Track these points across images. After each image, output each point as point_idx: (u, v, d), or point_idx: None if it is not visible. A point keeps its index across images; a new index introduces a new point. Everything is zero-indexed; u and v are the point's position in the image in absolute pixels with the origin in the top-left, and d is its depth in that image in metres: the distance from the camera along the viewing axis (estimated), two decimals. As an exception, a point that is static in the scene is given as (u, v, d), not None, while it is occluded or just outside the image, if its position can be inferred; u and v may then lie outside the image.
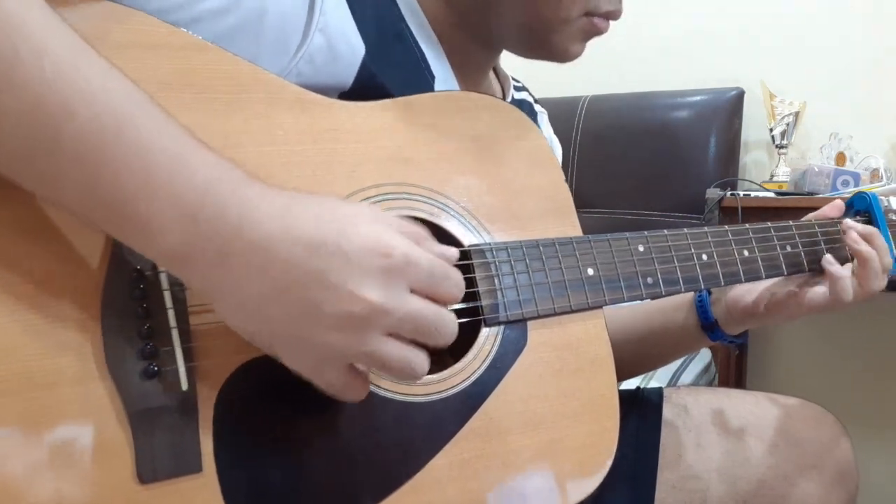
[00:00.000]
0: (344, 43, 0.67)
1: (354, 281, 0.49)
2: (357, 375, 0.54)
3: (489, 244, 0.67)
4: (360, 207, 0.55)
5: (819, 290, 0.82)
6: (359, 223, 0.51)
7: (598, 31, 0.78)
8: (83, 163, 0.47)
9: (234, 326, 0.52)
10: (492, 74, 0.90)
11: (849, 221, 0.85)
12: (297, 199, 0.51)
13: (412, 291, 0.52)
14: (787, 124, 1.96)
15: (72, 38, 0.48)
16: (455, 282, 0.54)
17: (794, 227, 0.84)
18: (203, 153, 0.50)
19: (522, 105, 0.95)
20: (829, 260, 0.82)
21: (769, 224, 0.83)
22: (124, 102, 0.48)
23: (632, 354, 0.88)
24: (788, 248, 0.83)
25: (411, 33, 0.76)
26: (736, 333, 0.89)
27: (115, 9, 0.55)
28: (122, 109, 0.48)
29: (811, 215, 0.89)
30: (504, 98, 0.91)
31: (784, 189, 1.86)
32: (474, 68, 0.84)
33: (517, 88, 0.96)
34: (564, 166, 1.99)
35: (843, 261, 0.83)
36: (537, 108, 0.99)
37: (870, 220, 0.88)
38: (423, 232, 0.55)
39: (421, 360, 0.53)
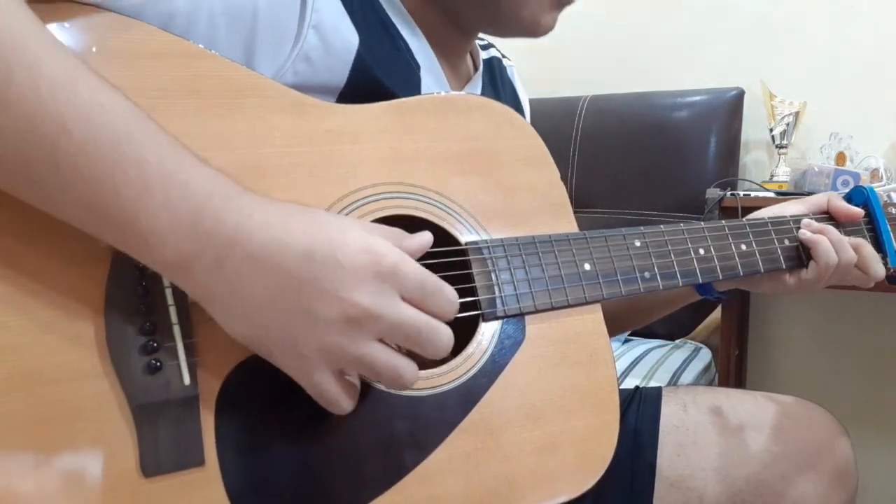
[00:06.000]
0: (338, 38, 0.68)
1: (347, 286, 0.51)
2: (347, 385, 0.55)
3: (486, 241, 0.67)
4: (348, 219, 0.57)
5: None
6: (348, 232, 0.53)
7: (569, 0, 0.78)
8: (81, 178, 0.48)
9: (231, 331, 0.53)
10: None
11: (805, 220, 0.85)
12: (288, 209, 0.53)
13: (404, 300, 0.53)
14: (787, 124, 1.95)
15: (64, 55, 0.49)
16: (447, 297, 0.56)
17: (791, 222, 0.84)
18: (196, 164, 0.51)
19: (492, 63, 0.95)
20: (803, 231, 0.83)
21: (766, 218, 0.84)
22: (118, 117, 0.49)
23: (620, 309, 0.89)
24: (787, 242, 0.83)
25: (392, 23, 0.76)
26: (723, 290, 0.89)
27: (116, 19, 0.56)
28: (116, 124, 0.49)
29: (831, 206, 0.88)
30: (475, 63, 0.91)
31: (784, 189, 1.84)
32: (453, 52, 0.84)
33: (483, 48, 0.95)
34: (565, 166, 2.00)
35: None
36: (506, 62, 0.99)
37: (868, 214, 0.88)
38: (399, 231, 0.57)
39: (409, 368, 0.55)
